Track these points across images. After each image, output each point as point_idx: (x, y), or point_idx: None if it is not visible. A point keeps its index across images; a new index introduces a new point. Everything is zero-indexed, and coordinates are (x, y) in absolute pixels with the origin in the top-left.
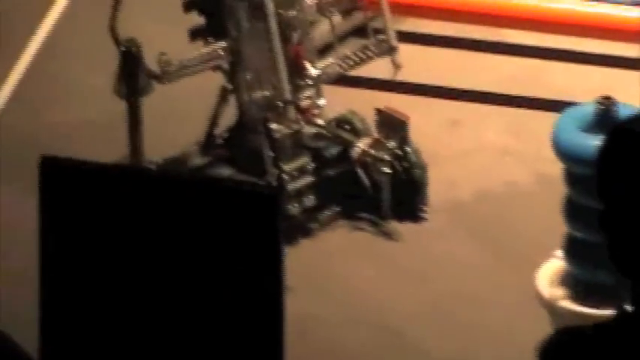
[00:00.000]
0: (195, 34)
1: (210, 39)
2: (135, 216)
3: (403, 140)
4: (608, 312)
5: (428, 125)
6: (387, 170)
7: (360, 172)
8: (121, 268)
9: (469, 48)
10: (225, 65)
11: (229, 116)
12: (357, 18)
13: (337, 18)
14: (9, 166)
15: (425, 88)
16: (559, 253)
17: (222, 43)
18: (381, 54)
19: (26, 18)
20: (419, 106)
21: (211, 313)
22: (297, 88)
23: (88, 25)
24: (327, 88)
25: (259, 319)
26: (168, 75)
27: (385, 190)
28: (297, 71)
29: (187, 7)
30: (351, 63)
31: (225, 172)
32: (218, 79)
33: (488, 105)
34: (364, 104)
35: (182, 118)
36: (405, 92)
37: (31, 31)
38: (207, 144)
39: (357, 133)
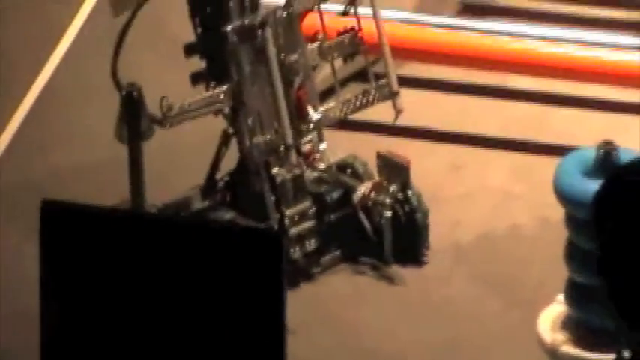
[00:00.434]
0: (197, 78)
1: (211, 83)
2: (137, 259)
3: (405, 184)
4: (609, 357)
5: (430, 169)
6: (388, 214)
7: (362, 216)
8: (124, 311)
9: (471, 93)
10: (227, 109)
11: (231, 160)
12: (359, 62)
13: (339, 62)
14: (10, 209)
15: (427, 133)
16: (561, 297)
17: (224, 87)
18: (382, 98)
19: (28, 60)
20: (421, 150)
21: (215, 354)
22: (298, 133)
23: (89, 69)
24: (328, 132)
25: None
26: (169, 119)
27: (387, 234)
28: (298, 115)
29: (188, 52)
30: (353, 107)
31: (227, 215)
32: (220, 123)
33: (491, 150)
34: (366, 148)
35: (183, 163)
36: (406, 137)
37: (34, 73)
38: (209, 188)
39: (359, 177)
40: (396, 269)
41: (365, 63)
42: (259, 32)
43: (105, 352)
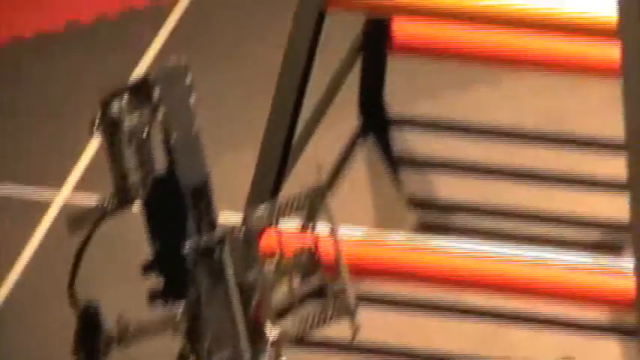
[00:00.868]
0: (154, 296)
1: (169, 301)
2: None
3: None
4: None
5: None
6: None
7: None
8: None
9: (427, 308)
10: (184, 327)
11: None
12: (317, 280)
13: (297, 280)
14: None
15: (384, 351)
16: None
17: (181, 306)
18: (339, 315)
19: None
20: None
21: None
22: (256, 351)
23: (43, 288)
24: (287, 350)
25: None
26: (125, 339)
27: None
28: (256, 333)
29: (146, 270)
30: (311, 324)
31: None
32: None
33: None
34: None
35: None
36: (364, 355)
37: None
38: None
39: None
40: None
41: (322, 281)
42: (217, 251)
43: None
